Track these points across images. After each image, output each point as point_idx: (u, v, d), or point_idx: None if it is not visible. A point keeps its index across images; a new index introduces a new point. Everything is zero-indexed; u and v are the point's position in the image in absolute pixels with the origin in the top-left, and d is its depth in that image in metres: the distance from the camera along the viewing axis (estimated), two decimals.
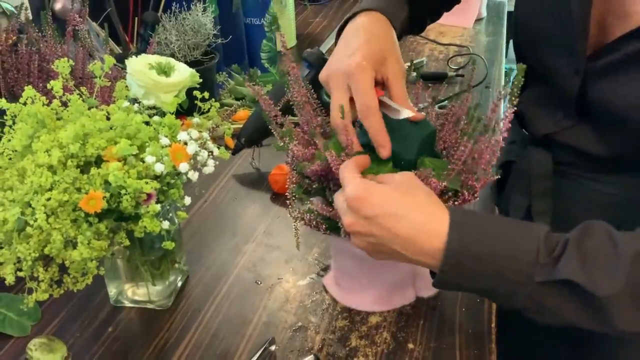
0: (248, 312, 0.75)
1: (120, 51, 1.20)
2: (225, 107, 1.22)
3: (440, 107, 1.23)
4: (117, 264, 0.75)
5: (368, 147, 0.68)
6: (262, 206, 0.97)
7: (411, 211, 0.59)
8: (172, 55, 1.21)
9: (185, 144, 0.64)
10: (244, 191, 1.01)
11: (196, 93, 0.72)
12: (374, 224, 0.59)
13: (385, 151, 0.67)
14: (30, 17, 1.02)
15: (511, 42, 1.67)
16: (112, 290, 0.78)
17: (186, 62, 1.22)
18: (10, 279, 0.59)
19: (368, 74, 0.67)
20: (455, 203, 0.64)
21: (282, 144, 0.69)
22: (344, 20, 0.77)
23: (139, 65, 0.70)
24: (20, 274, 0.59)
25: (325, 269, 0.82)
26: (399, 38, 0.80)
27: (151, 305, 0.77)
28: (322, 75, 0.71)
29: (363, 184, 0.60)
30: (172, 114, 0.71)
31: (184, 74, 0.72)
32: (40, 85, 0.94)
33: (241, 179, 1.04)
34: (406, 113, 0.66)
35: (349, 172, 0.62)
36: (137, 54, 1.20)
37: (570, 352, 0.83)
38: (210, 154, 0.67)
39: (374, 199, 0.59)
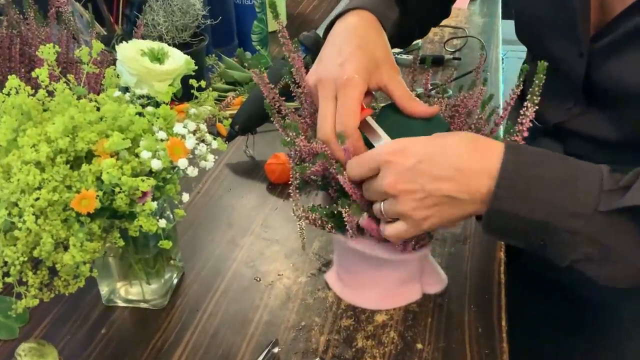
0: (248, 311, 0.72)
1: (105, 33, 1.15)
2: (218, 94, 1.18)
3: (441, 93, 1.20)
4: (109, 262, 0.72)
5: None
6: (258, 197, 0.93)
7: (456, 143, 0.56)
8: (160, 38, 1.16)
9: (183, 137, 0.60)
10: (238, 181, 0.97)
11: (192, 82, 0.68)
12: (417, 171, 0.56)
13: None
14: None
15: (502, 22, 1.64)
16: (104, 289, 0.74)
17: (174, 45, 1.17)
18: None
19: (358, 89, 0.64)
20: None
21: (288, 139, 0.65)
22: (332, 18, 0.73)
23: (130, 52, 0.66)
24: (8, 280, 0.55)
25: (327, 264, 0.79)
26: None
27: (146, 305, 0.73)
28: (311, 80, 0.68)
29: (394, 142, 0.58)
30: (167, 104, 0.67)
31: (178, 60, 0.67)
32: (23, 70, 0.89)
33: (235, 168, 1.00)
34: (385, 141, 0.63)
35: (363, 156, 0.60)
36: (123, 35, 1.15)
37: (582, 346, 0.82)
38: (208, 147, 0.63)
39: (411, 147, 0.57)
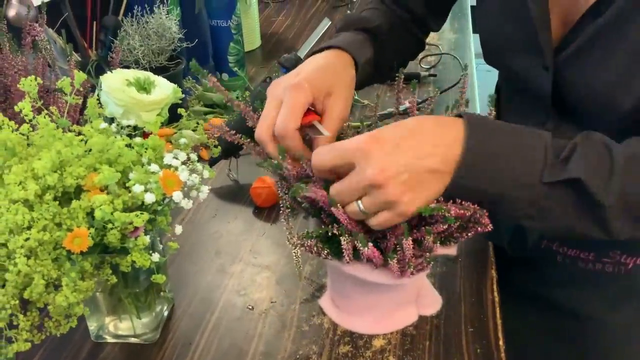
0: (243, 342, 0.71)
1: (80, 59, 1.13)
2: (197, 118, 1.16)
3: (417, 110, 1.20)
4: (97, 297, 0.69)
5: None
6: (245, 222, 0.92)
7: (423, 123, 0.59)
8: (136, 62, 1.14)
9: (176, 169, 0.58)
10: (224, 206, 0.95)
11: (181, 111, 0.67)
12: (399, 154, 0.56)
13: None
14: None
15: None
16: (92, 325, 0.71)
17: (151, 69, 1.16)
18: None
19: (302, 94, 0.65)
20: (469, 235, 0.61)
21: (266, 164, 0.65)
22: (308, 54, 0.76)
23: (116, 82, 0.64)
24: None
25: (320, 288, 0.78)
26: (365, 80, 0.80)
27: (136, 340, 0.71)
28: (268, 90, 0.69)
29: (364, 134, 0.58)
30: (154, 134, 0.65)
31: (166, 90, 0.66)
32: None
33: (219, 192, 0.99)
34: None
35: (334, 145, 0.60)
36: (98, 61, 1.13)
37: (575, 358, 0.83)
38: (200, 176, 0.62)
39: (384, 133, 0.57)
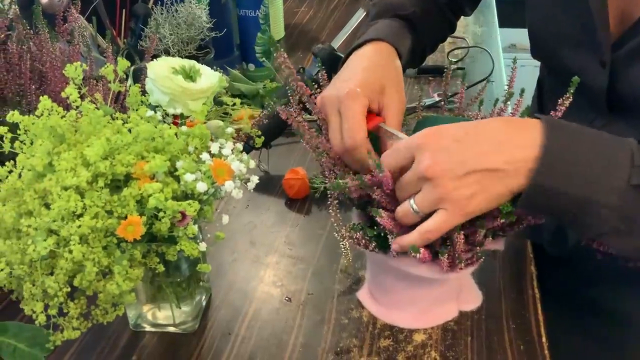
0: (282, 333, 0.70)
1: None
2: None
3: (449, 102, 1.20)
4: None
5: None
6: (277, 214, 0.91)
7: (491, 122, 0.56)
8: (166, 51, 1.13)
9: (226, 158, 0.58)
10: (256, 197, 0.95)
11: (226, 99, 0.66)
12: (456, 149, 0.54)
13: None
14: (18, 12, 0.93)
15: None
16: (130, 313, 0.71)
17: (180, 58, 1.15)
18: (41, 319, 0.52)
19: (359, 102, 0.65)
20: (521, 227, 0.61)
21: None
22: (350, 49, 0.75)
23: (163, 70, 0.64)
24: (49, 312, 0.53)
25: (357, 282, 0.77)
26: (405, 67, 0.79)
27: (175, 329, 0.71)
28: (318, 100, 0.69)
29: (426, 128, 0.56)
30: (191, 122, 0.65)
31: (212, 78, 0.65)
32: (33, 87, 0.86)
33: None
34: None
35: (397, 145, 0.59)
36: (128, 49, 1.13)
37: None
38: (247, 166, 0.61)
39: (445, 129, 0.55)
